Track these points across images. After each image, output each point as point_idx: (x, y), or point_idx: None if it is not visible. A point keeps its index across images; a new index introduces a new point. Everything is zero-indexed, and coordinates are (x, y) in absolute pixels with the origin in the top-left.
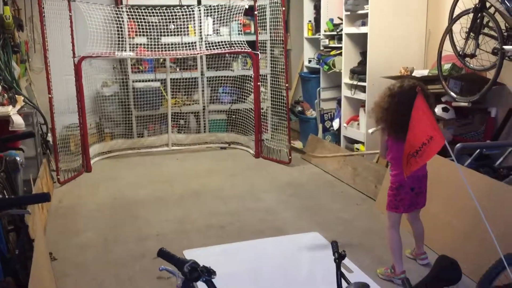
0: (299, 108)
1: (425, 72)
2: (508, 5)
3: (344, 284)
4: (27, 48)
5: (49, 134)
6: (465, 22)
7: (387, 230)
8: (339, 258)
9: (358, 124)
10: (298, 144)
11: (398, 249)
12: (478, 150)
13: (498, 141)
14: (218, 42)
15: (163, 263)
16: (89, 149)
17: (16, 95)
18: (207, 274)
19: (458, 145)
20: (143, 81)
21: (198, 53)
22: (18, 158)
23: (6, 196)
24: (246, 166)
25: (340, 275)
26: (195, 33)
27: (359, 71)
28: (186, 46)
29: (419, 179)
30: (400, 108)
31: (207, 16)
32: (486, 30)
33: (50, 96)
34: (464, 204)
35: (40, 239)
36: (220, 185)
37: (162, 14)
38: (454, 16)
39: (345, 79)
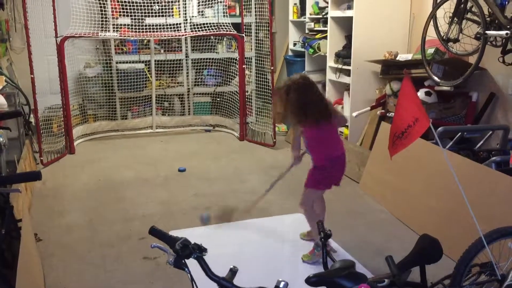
0: None
1: (409, 56)
2: None
3: (330, 262)
4: (8, 27)
5: (31, 115)
6: (448, 7)
7: (306, 207)
8: (325, 237)
9: (342, 107)
10: (282, 127)
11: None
12: (459, 134)
13: (479, 125)
14: (203, 24)
15: (149, 243)
16: (72, 131)
17: None
18: (199, 251)
19: (440, 128)
20: (127, 62)
21: (182, 35)
22: (1, 139)
23: None
24: (231, 148)
25: (326, 254)
26: (179, 14)
27: (344, 55)
28: (170, 27)
29: (339, 158)
30: (301, 97)
31: None
32: (469, 15)
33: (32, 76)
34: (444, 186)
35: (26, 219)
36: (205, 167)
37: None
38: (438, 1)
39: (330, 62)
